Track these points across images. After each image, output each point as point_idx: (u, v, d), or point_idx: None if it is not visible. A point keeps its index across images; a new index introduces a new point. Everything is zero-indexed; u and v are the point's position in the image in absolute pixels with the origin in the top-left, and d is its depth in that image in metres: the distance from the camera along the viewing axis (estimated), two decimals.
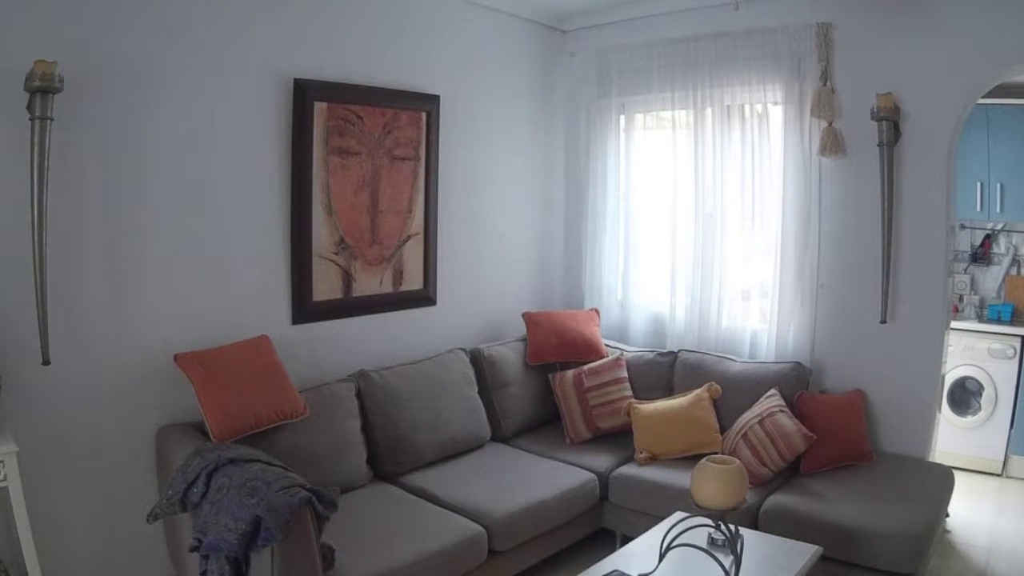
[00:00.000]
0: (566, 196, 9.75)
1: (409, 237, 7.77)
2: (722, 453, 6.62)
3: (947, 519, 7.30)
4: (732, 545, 4.80)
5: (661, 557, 4.78)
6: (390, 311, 7.70)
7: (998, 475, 9.08)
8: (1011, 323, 9.45)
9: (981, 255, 10.09)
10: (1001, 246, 10.04)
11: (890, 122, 6.99)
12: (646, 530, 5.62)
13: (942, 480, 6.79)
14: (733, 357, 8.01)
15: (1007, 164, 9.30)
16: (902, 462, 7.07)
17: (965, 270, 10.12)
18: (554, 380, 8.11)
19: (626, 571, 4.84)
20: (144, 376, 5.89)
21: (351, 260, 7.26)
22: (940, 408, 7.87)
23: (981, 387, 9.22)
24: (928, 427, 7.31)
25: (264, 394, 5.88)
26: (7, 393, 5.06)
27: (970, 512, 7.92)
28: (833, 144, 7.42)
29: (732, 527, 4.89)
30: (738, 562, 4.73)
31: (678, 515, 5.35)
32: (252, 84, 6.44)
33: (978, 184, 9.51)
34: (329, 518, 4.86)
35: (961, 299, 10.03)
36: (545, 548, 6.71)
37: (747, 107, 8.14)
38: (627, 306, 9.35)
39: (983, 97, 7.36)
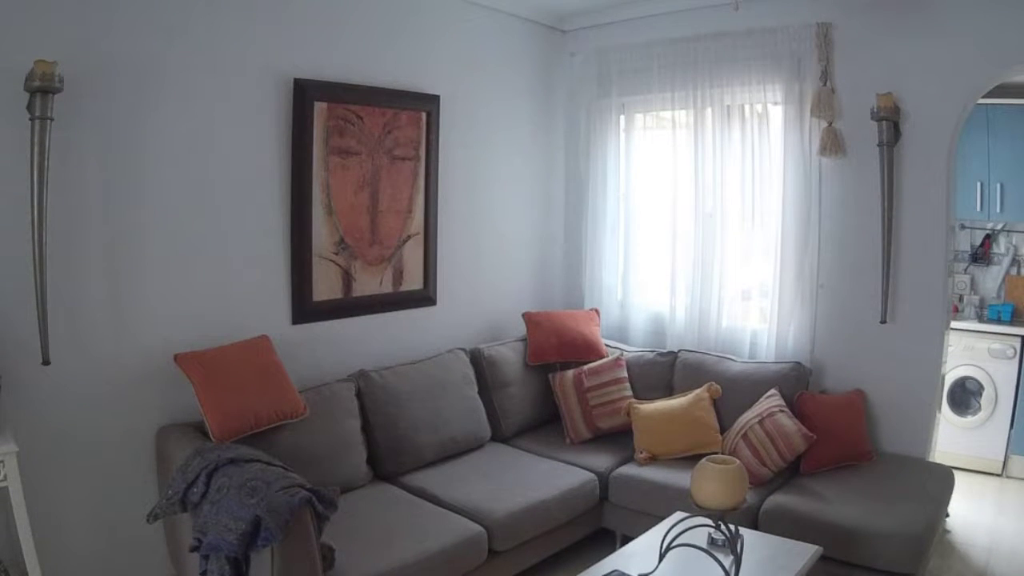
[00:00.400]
0: (566, 196, 9.75)
1: (409, 237, 7.77)
2: (722, 453, 6.62)
3: (947, 519, 7.31)
4: (732, 545, 4.81)
5: (661, 557, 4.79)
6: (390, 311, 7.70)
7: (998, 475, 9.09)
8: (1011, 323, 9.46)
9: (981, 255, 10.09)
10: (1001, 246, 10.05)
11: (890, 122, 7.00)
12: (646, 530, 5.62)
13: (942, 480, 6.79)
14: (733, 357, 8.01)
15: (1007, 164, 9.31)
16: (902, 462, 7.07)
17: (965, 270, 10.12)
18: (554, 380, 8.11)
19: (626, 571, 4.85)
20: (144, 376, 5.89)
21: (351, 260, 7.27)
22: (940, 408, 7.87)
23: (981, 387, 9.22)
24: (928, 427, 7.31)
25: (264, 394, 5.89)
26: (7, 393, 5.06)
27: (970, 512, 7.93)
28: (833, 144, 7.42)
29: (732, 527, 4.90)
30: (738, 562, 4.74)
31: (678, 515, 5.36)
32: (252, 84, 6.44)
33: (978, 184, 9.52)
34: (329, 518, 4.87)
35: (961, 299, 10.03)
36: (545, 548, 6.72)
37: (747, 107, 8.15)
38: (627, 306, 9.36)
39: (983, 97, 7.36)
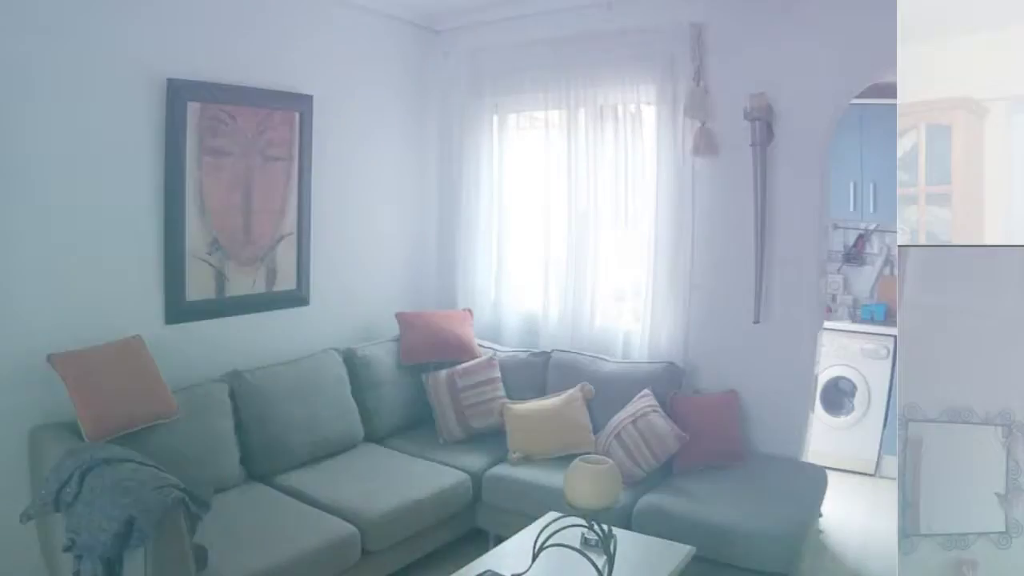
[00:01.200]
0: (439, 196, 9.84)
1: (282, 237, 7.85)
2: (595, 453, 6.71)
3: (820, 519, 7.51)
4: (605, 545, 4.94)
5: (534, 557, 4.89)
6: (264, 311, 7.76)
7: (871, 475, 9.36)
8: (884, 323, 9.73)
9: (855, 255, 10.37)
10: (874, 246, 10.36)
11: (763, 122, 7.21)
12: (520, 530, 5.75)
13: (815, 480, 7.03)
14: (606, 357, 8.18)
15: (880, 164, 9.51)
16: (776, 462, 7.29)
17: (838, 270, 10.41)
18: (427, 380, 8.18)
19: (499, 571, 5.00)
20: (17, 376, 5.87)
21: (224, 260, 7.32)
22: (813, 408, 8.05)
23: (854, 387, 9.51)
24: (801, 427, 7.55)
25: (137, 394, 5.94)
26: None
27: (843, 512, 8.14)
28: (706, 144, 7.61)
29: (605, 527, 5.02)
30: (611, 562, 4.86)
31: (551, 515, 5.49)
32: (125, 84, 6.45)
33: (851, 184, 9.79)
34: (202, 518, 4.96)
35: (834, 299, 10.29)
36: (419, 548, 6.85)
37: (620, 107, 8.30)
38: (500, 306, 9.47)
39: (856, 97, 7.58)
